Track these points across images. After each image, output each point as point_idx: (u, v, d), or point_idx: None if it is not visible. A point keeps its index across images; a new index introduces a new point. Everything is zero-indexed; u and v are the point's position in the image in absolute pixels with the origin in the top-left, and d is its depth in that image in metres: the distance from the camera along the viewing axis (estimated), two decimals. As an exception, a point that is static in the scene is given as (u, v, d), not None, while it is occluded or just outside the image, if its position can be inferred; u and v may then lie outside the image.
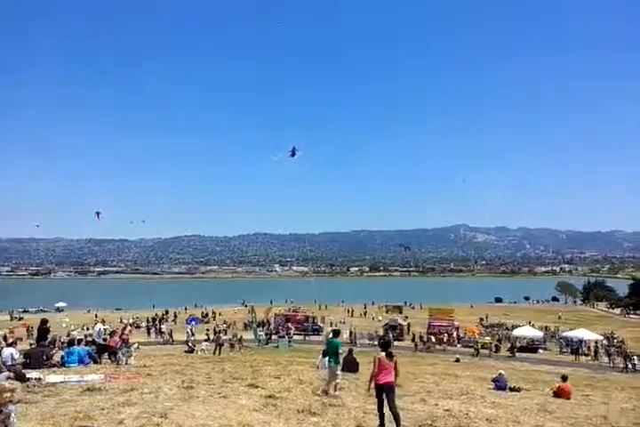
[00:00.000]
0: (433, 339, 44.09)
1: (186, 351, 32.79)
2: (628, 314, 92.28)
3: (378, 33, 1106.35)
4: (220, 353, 32.14)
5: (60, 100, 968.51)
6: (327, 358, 12.19)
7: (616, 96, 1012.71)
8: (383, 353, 9.57)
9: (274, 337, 45.48)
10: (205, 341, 37.93)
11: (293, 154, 34.12)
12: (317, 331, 51.06)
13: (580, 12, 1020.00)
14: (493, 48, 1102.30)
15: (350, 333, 46.48)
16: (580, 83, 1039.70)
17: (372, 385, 9.40)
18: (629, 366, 36.32)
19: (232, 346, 37.15)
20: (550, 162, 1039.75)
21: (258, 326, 48.12)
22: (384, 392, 9.09)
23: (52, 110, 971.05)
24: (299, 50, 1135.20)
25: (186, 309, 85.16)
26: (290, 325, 47.61)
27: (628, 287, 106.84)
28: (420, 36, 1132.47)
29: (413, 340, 45.11)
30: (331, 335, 12.28)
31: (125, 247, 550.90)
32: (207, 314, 73.32)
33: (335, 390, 11.91)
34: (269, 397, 11.16)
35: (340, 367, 11.98)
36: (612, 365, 38.54)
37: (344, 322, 62.94)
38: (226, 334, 45.50)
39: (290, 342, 41.38)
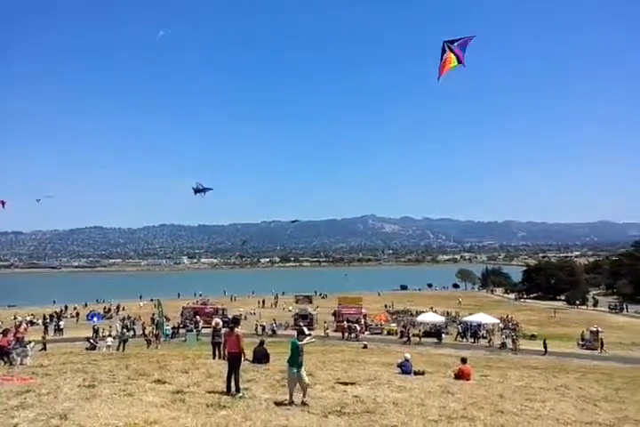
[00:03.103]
0: (358, 327, 44.93)
1: (87, 349, 31.30)
2: (521, 298, 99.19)
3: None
4: (124, 349, 30.96)
5: None
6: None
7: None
8: (228, 329, 11.75)
9: (181, 331, 44.60)
10: (108, 336, 36.33)
11: (197, 191, 33.77)
12: (227, 323, 50.46)
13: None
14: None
15: (260, 325, 46.93)
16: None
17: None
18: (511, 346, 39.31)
19: (148, 342, 35.89)
20: (451, 154, 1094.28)
21: (165, 321, 46.85)
22: (231, 361, 10.85)
23: None
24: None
25: (86, 304, 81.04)
26: (198, 318, 46.76)
27: (521, 274, 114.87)
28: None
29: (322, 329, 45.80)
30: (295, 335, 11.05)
31: (19, 240, 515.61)
32: (109, 309, 70.20)
33: (304, 396, 10.40)
34: (177, 392, 10.88)
35: (303, 372, 10.29)
36: (489, 345, 41.37)
37: (254, 313, 62.86)
38: (129, 329, 43.89)
39: (198, 335, 40.64)
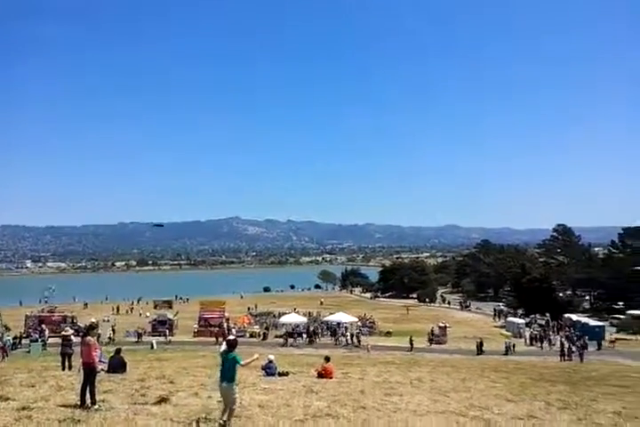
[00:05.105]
0: (234, 332, 43.97)
1: None
2: (377, 297, 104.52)
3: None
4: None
5: None
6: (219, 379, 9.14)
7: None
8: (81, 338, 10.83)
9: (25, 341, 40.73)
10: None
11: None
12: (78, 331, 46.96)
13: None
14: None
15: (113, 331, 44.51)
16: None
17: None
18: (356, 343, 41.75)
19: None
20: (314, 158, 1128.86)
21: (6, 331, 42.67)
22: (85, 372, 10.07)
23: None
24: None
25: None
26: (44, 327, 43.10)
27: (378, 274, 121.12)
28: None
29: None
30: (224, 347, 9.49)
31: None
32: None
33: (230, 418, 8.89)
34: (23, 409, 9.79)
35: (236, 389, 9.21)
36: (337, 343, 43.23)
37: (108, 320, 59.17)
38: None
39: (44, 345, 37.42)
